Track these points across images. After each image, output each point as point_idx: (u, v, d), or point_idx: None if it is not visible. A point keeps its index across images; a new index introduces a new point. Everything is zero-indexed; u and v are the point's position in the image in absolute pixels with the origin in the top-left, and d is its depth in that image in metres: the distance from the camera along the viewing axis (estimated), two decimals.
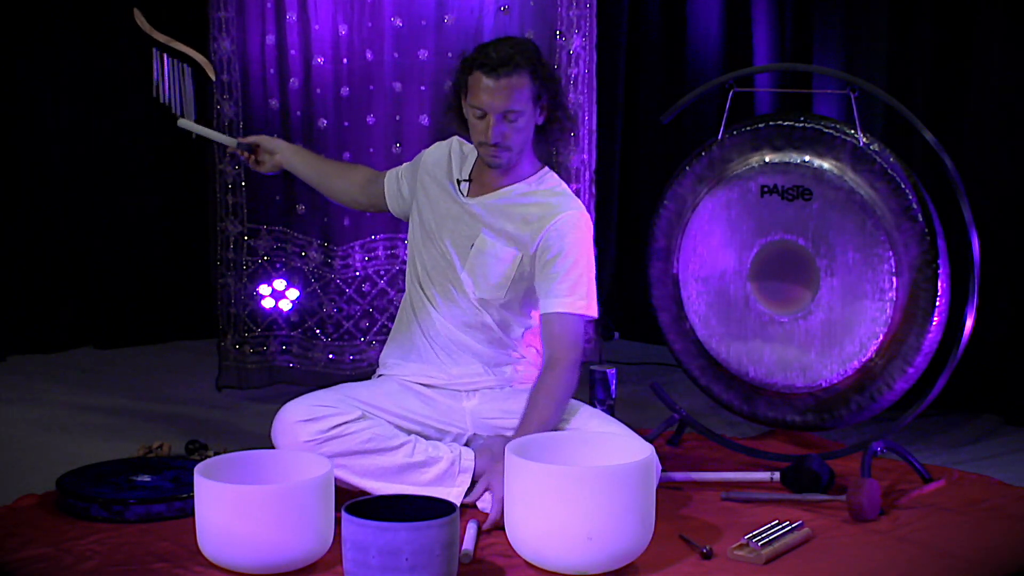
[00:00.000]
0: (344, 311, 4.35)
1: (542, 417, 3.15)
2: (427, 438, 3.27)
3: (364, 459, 3.14)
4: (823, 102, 4.23)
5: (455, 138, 3.45)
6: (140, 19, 3.72)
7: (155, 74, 3.86)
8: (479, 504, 3.20)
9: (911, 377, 3.46)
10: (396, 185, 3.53)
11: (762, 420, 3.72)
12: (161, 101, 3.72)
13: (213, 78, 4.02)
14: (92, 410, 4.28)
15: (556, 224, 3.26)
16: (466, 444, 3.34)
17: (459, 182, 3.37)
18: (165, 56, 3.71)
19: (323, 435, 3.10)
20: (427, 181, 3.42)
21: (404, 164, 3.56)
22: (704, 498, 3.32)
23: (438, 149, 3.46)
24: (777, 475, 3.35)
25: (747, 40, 4.69)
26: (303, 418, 3.12)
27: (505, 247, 3.29)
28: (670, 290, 3.75)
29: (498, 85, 3.15)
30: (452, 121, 3.39)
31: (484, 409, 3.34)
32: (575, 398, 3.39)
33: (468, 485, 3.21)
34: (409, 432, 3.26)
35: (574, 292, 3.26)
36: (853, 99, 3.40)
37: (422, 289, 3.39)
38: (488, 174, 3.33)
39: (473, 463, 3.22)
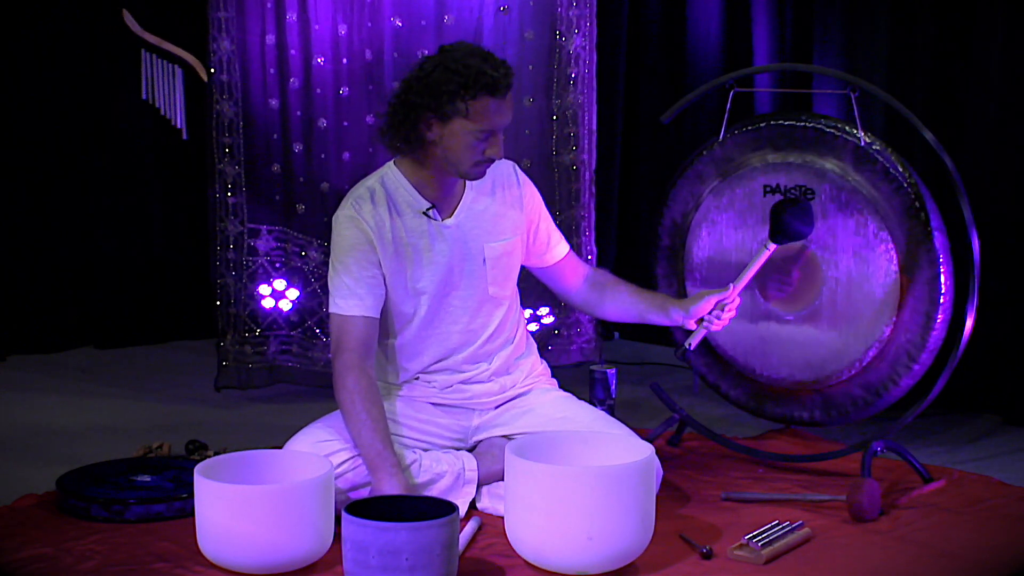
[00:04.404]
0: None
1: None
2: (426, 449, 3.25)
3: (370, 488, 3.08)
4: (823, 102, 4.23)
5: (361, 192, 3.16)
6: (129, 20, 3.71)
7: (144, 75, 3.86)
8: (479, 505, 3.21)
9: (917, 374, 3.46)
10: (375, 298, 3.15)
11: (769, 416, 3.73)
12: (150, 102, 3.73)
13: (205, 79, 4.02)
14: (92, 410, 4.28)
15: (518, 176, 3.31)
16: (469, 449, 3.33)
17: (427, 213, 3.17)
18: (154, 57, 3.71)
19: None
20: (397, 245, 3.16)
21: (346, 281, 3.12)
22: (704, 498, 3.32)
23: (363, 215, 3.13)
24: (773, 246, 3.39)
25: (747, 40, 4.69)
26: None
27: (510, 241, 3.27)
28: (675, 289, 3.75)
29: (507, 102, 3.06)
30: (400, 142, 3.13)
31: (491, 422, 3.33)
32: (575, 394, 3.41)
33: (472, 496, 3.20)
34: (412, 447, 3.22)
35: (559, 230, 3.44)
36: (853, 99, 3.40)
37: (431, 336, 3.25)
38: (443, 187, 3.18)
39: (476, 473, 3.21)
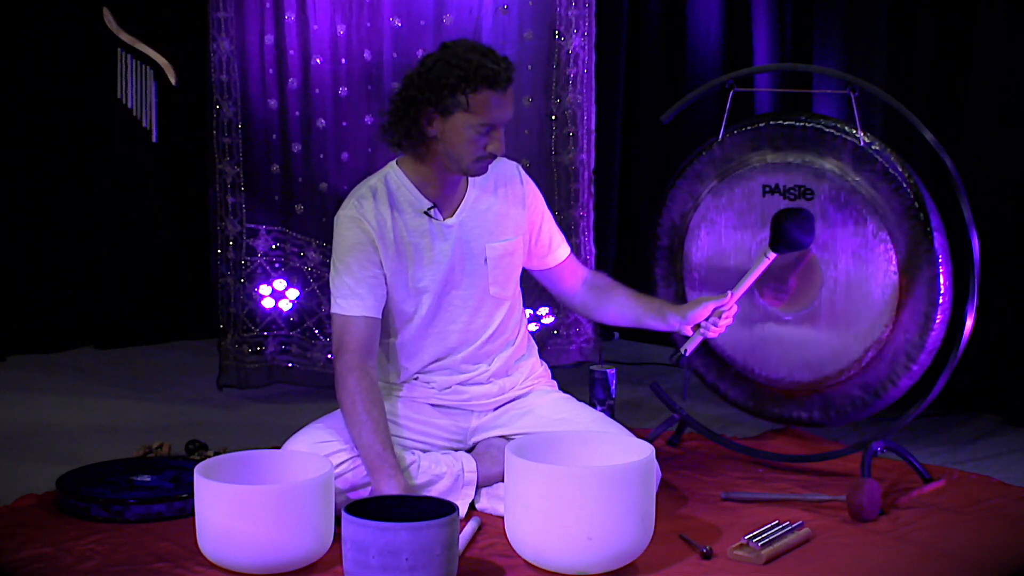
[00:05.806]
0: None
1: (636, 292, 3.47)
2: (425, 450, 3.25)
3: (369, 489, 3.08)
4: (823, 102, 4.23)
5: (364, 191, 3.17)
6: (108, 18, 3.72)
7: (119, 75, 3.85)
8: (479, 505, 3.21)
9: (915, 374, 3.46)
10: (376, 298, 3.15)
11: (769, 416, 3.72)
12: (123, 102, 3.73)
13: (173, 83, 4.02)
14: (92, 410, 4.28)
15: (522, 176, 3.31)
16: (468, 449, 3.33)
17: (428, 212, 3.17)
18: (129, 57, 3.71)
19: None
20: (398, 244, 3.17)
21: (347, 282, 3.13)
22: (704, 498, 3.32)
23: (365, 214, 3.14)
24: (773, 255, 3.37)
25: (747, 40, 4.69)
26: None
27: (512, 241, 3.27)
28: (674, 289, 3.75)
29: (508, 97, 3.06)
30: (402, 139, 3.13)
31: (489, 423, 3.33)
32: (574, 395, 3.41)
33: (472, 497, 3.20)
34: (411, 448, 3.23)
35: (561, 232, 3.45)
36: (853, 99, 3.40)
37: (434, 332, 3.25)
38: (446, 186, 3.18)
39: (476, 474, 3.20)
